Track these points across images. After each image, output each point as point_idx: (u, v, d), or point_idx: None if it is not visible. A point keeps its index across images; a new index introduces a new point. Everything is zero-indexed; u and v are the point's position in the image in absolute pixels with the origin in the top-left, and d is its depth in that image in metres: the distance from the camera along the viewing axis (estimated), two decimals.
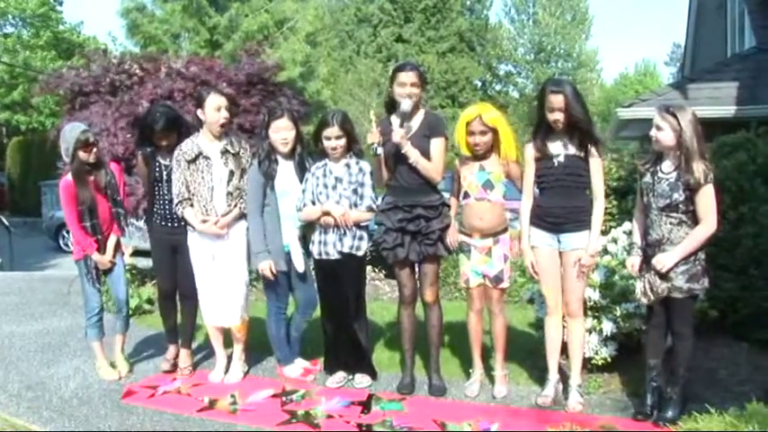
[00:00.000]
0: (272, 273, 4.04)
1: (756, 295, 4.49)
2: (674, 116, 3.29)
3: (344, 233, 3.90)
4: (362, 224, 3.95)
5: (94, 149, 4.12)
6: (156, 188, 4.27)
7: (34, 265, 10.88)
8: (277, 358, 4.39)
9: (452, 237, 3.87)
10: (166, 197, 4.22)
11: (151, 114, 4.27)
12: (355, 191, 3.94)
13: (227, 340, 4.36)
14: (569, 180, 3.57)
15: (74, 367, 4.56)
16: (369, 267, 6.22)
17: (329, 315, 4.13)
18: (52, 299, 6.98)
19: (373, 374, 4.19)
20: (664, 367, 3.51)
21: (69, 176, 4.11)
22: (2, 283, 8.01)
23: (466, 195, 3.84)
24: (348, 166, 3.97)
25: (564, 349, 3.82)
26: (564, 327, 3.77)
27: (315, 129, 4.08)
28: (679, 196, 3.29)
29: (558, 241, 3.64)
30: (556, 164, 3.58)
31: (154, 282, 5.64)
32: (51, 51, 21.40)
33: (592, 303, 4.00)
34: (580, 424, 3.43)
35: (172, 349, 4.50)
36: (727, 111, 8.54)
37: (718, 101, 8.72)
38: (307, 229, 4.13)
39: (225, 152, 4.11)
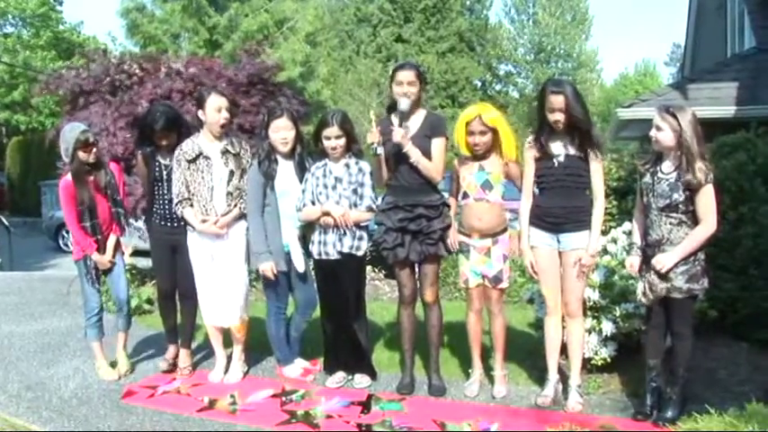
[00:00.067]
0: (273, 273, 4.04)
1: (756, 295, 4.49)
2: (674, 116, 3.29)
3: (344, 233, 3.90)
4: (362, 224, 3.95)
5: (94, 149, 4.12)
6: (156, 188, 4.26)
7: (34, 265, 10.89)
8: (277, 358, 4.39)
9: (453, 237, 3.87)
10: (166, 197, 4.22)
11: (151, 114, 4.27)
12: (355, 191, 3.94)
13: (227, 340, 4.36)
14: (569, 180, 3.57)
15: (73, 367, 4.56)
16: (369, 267, 6.22)
17: (329, 315, 4.13)
18: (52, 299, 6.98)
19: (373, 375, 4.19)
20: (663, 367, 3.51)
21: (69, 176, 4.11)
22: (1, 283, 8.01)
23: (465, 195, 3.84)
24: (348, 166, 3.97)
25: (563, 349, 3.82)
26: (563, 327, 3.77)
27: (315, 128, 4.09)
28: (679, 196, 3.29)
29: (558, 241, 3.64)
30: (556, 164, 3.58)
31: (154, 282, 5.64)
32: (51, 51, 21.39)
33: (591, 303, 4.00)
34: (580, 424, 3.43)
35: (171, 349, 4.50)
36: (727, 111, 8.54)
37: (718, 101, 8.72)
38: (306, 229, 4.13)
39: (225, 152, 4.11)
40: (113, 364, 4.42)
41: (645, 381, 3.57)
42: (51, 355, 4.87)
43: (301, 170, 4.11)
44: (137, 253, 6.61)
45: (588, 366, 4.02)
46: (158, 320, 4.67)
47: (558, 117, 3.50)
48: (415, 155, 3.73)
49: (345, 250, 3.91)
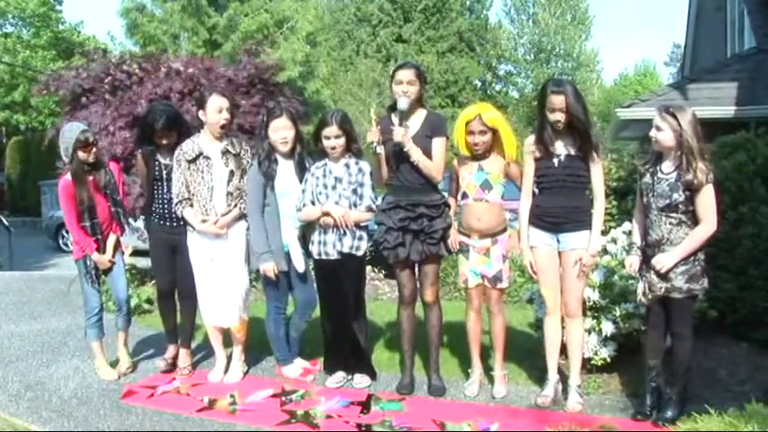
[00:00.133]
0: (274, 273, 4.04)
1: (755, 295, 4.49)
2: (674, 116, 3.29)
3: (344, 233, 3.90)
4: (362, 224, 3.95)
5: (94, 149, 4.12)
6: (156, 187, 4.26)
7: (34, 264, 10.89)
8: (276, 358, 4.39)
9: (453, 237, 3.87)
10: (165, 196, 4.22)
11: (152, 113, 4.27)
12: (355, 191, 3.93)
13: (227, 340, 4.36)
14: (569, 180, 3.57)
15: (73, 367, 4.56)
16: (369, 267, 6.22)
17: (329, 315, 4.13)
18: (51, 298, 6.99)
19: (373, 375, 4.19)
20: (663, 368, 3.51)
21: (68, 176, 4.10)
22: (1, 283, 8.01)
23: (464, 196, 3.84)
24: (348, 166, 3.97)
25: (563, 349, 3.82)
26: (563, 327, 3.77)
27: (314, 128, 4.09)
28: (679, 196, 3.29)
29: (558, 241, 3.64)
30: (556, 164, 3.58)
31: (153, 282, 5.64)
32: (51, 51, 21.38)
33: (591, 303, 4.00)
34: (579, 424, 3.43)
35: (171, 349, 4.50)
36: (727, 111, 8.54)
37: (718, 101, 8.71)
38: (306, 229, 4.13)
39: (225, 152, 4.11)
40: (113, 364, 4.42)
41: (644, 381, 3.57)
42: (51, 355, 4.87)
43: (301, 170, 4.10)
44: (136, 253, 6.61)
45: (588, 366, 4.02)
46: (158, 320, 4.67)
47: (558, 117, 3.50)
48: (415, 154, 3.73)
49: (345, 250, 3.91)
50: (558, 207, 3.59)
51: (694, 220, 3.31)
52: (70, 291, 6.77)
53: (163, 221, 4.27)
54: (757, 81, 8.89)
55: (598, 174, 3.60)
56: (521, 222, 3.76)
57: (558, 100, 3.47)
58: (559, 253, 3.65)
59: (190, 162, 4.05)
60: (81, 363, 4.62)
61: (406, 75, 3.79)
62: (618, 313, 3.99)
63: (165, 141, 4.21)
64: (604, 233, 4.27)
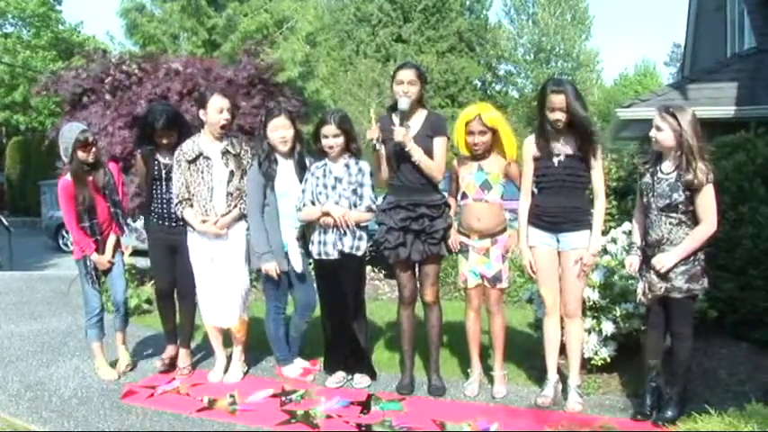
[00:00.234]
0: (276, 273, 4.05)
1: (755, 295, 4.49)
2: (674, 116, 3.29)
3: (344, 233, 3.90)
4: (362, 224, 3.95)
5: (93, 149, 4.12)
6: (154, 187, 4.26)
7: (34, 264, 10.89)
8: (276, 358, 4.39)
9: (454, 237, 3.87)
10: (164, 196, 4.22)
11: (152, 112, 4.27)
12: (355, 191, 3.94)
13: (227, 340, 4.35)
14: (569, 180, 3.57)
15: (73, 367, 4.56)
16: (369, 267, 6.22)
17: (329, 315, 4.13)
18: (51, 298, 6.99)
19: (372, 375, 4.19)
20: (663, 368, 3.51)
21: (68, 176, 4.10)
22: (1, 283, 8.01)
23: (464, 196, 3.84)
24: (348, 166, 3.97)
25: (563, 349, 3.82)
26: (562, 327, 3.77)
27: (314, 127, 4.10)
28: (679, 196, 3.30)
29: (558, 241, 3.64)
30: (556, 163, 3.58)
31: (153, 282, 5.64)
32: (51, 52, 21.38)
33: (591, 303, 4.00)
34: (579, 424, 3.43)
35: (169, 349, 4.50)
36: (727, 111, 8.54)
37: (718, 101, 8.72)
38: (306, 229, 4.13)
39: (225, 153, 4.11)
40: (113, 364, 4.42)
41: (644, 381, 3.57)
42: (51, 355, 4.87)
43: (301, 169, 4.11)
44: (136, 253, 6.62)
45: (588, 366, 4.02)
46: (158, 320, 4.67)
47: (558, 116, 3.50)
48: (417, 154, 3.74)
49: (345, 250, 3.91)
50: (558, 207, 3.59)
51: (694, 220, 3.31)
52: (70, 291, 6.77)
53: (162, 221, 4.26)
54: (757, 81, 8.90)
55: (598, 173, 3.60)
56: (520, 222, 3.77)
57: (557, 99, 3.47)
58: (559, 253, 3.65)
59: (190, 162, 4.05)
60: (81, 363, 4.62)
61: (407, 75, 3.79)
62: (618, 313, 3.99)
63: (165, 141, 4.20)
64: (604, 233, 4.27)
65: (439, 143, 3.83)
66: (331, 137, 3.90)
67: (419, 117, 3.87)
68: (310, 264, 4.21)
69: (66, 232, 11.53)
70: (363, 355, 4.18)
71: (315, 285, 4.20)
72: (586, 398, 3.77)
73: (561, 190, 3.59)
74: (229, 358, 4.35)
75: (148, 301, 6.15)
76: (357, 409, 3.74)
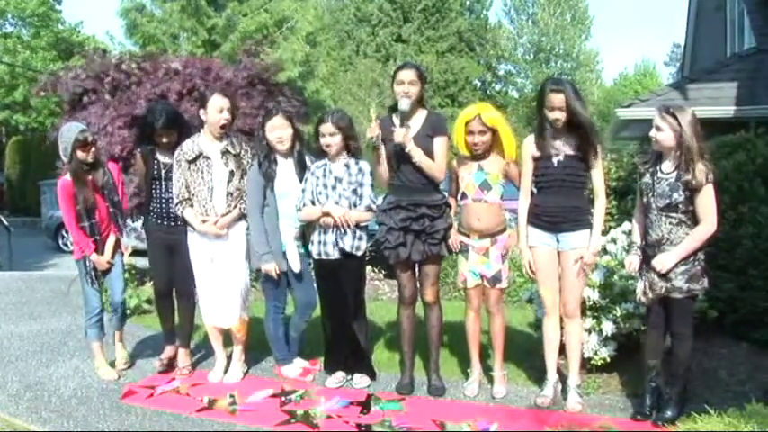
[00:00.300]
0: (276, 273, 4.05)
1: (755, 295, 4.49)
2: (674, 117, 3.29)
3: (344, 233, 3.90)
4: (362, 224, 3.95)
5: (93, 149, 4.12)
6: (154, 186, 4.25)
7: (33, 264, 10.88)
8: (275, 358, 4.39)
9: (454, 237, 3.87)
10: (164, 196, 4.22)
11: (152, 112, 4.27)
12: (355, 191, 3.94)
13: (227, 340, 4.35)
14: (568, 180, 3.57)
15: (73, 367, 4.56)
16: (369, 267, 6.22)
17: (329, 315, 4.13)
18: (51, 298, 6.98)
19: (372, 375, 4.18)
20: (663, 367, 3.51)
21: (68, 176, 4.11)
22: (1, 283, 8.00)
23: (463, 196, 3.84)
24: (348, 166, 3.97)
25: (562, 349, 3.82)
26: (562, 327, 3.77)
27: (314, 126, 4.11)
28: (679, 196, 3.29)
29: (557, 241, 3.64)
30: (555, 163, 3.58)
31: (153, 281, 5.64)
32: (51, 52, 21.38)
33: (591, 303, 4.00)
34: (579, 424, 3.43)
35: (168, 350, 4.49)
36: (727, 111, 8.54)
37: (718, 101, 8.72)
38: (306, 229, 4.13)
39: (225, 153, 4.10)
40: (113, 364, 4.42)
41: (644, 381, 3.57)
42: (50, 355, 4.87)
43: (301, 169, 4.11)
44: (136, 253, 6.62)
45: (588, 366, 4.02)
46: (158, 320, 4.66)
47: (557, 115, 3.50)
48: (417, 155, 3.73)
49: (346, 250, 3.91)
50: (557, 207, 3.59)
51: (694, 220, 3.31)
52: (70, 291, 6.76)
53: (160, 221, 4.26)
54: (757, 81, 8.90)
55: (598, 173, 3.60)
56: (519, 222, 3.76)
57: (557, 98, 3.47)
58: (558, 253, 3.65)
59: (190, 162, 4.05)
60: (81, 363, 4.62)
61: (408, 75, 3.79)
62: (618, 313, 3.98)
63: (165, 140, 4.20)
64: (604, 233, 4.27)
65: (439, 143, 3.83)
66: (328, 135, 3.91)
67: (419, 117, 3.87)
68: (310, 264, 4.20)
69: (66, 232, 11.52)
70: (363, 355, 4.18)
71: (315, 285, 4.19)
72: (586, 398, 3.77)
73: (561, 190, 3.58)
74: (229, 358, 4.35)
75: (148, 301, 6.14)
76: (357, 409, 3.74)
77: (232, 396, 3.95)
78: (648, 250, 3.44)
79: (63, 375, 4.39)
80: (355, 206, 3.93)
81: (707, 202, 3.26)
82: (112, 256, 4.29)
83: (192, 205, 4.08)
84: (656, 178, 3.40)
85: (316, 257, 4.02)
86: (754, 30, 9.94)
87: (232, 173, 4.10)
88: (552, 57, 35.00)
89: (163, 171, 4.22)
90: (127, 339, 4.72)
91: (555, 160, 3.58)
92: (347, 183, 3.94)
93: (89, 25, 35.83)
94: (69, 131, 4.09)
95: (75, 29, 23.59)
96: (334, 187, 3.93)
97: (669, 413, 3.39)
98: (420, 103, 3.88)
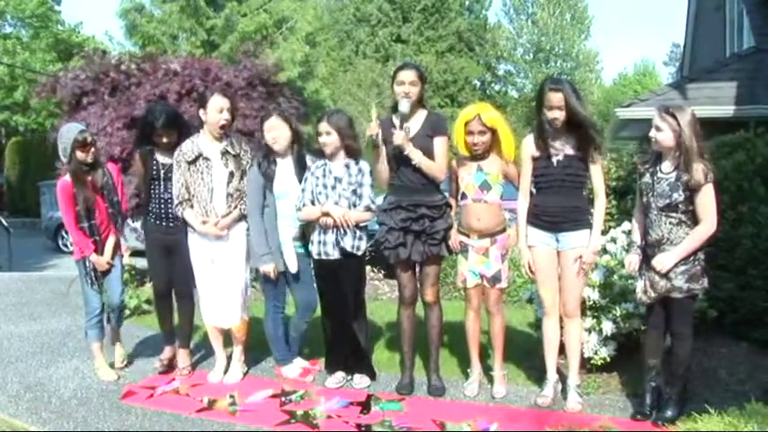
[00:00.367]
0: (275, 274, 4.05)
1: (755, 295, 4.49)
2: (674, 116, 3.29)
3: (344, 233, 3.90)
4: (362, 224, 3.95)
5: (92, 149, 4.12)
6: (153, 187, 4.25)
7: (33, 265, 10.88)
8: (275, 358, 4.39)
9: (455, 238, 3.87)
10: (162, 196, 4.21)
11: (151, 112, 4.27)
12: (354, 191, 3.94)
13: (227, 340, 4.35)
14: (568, 180, 3.57)
15: (72, 368, 4.56)
16: (369, 267, 6.21)
17: (329, 315, 4.13)
18: (51, 299, 6.98)
19: (372, 375, 4.18)
20: (663, 367, 3.51)
21: (67, 177, 4.10)
22: (1, 284, 8.00)
23: (463, 196, 3.84)
24: (347, 166, 3.97)
25: (562, 349, 3.82)
26: (562, 327, 3.77)
27: (315, 126, 4.12)
28: (679, 196, 3.29)
29: (557, 241, 3.64)
30: (555, 163, 3.58)
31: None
32: (51, 53, 21.37)
33: (591, 303, 4.00)
34: (579, 424, 3.43)
35: (167, 350, 4.48)
36: (726, 111, 8.55)
37: (717, 101, 8.73)
38: (306, 229, 4.13)
39: (225, 153, 4.10)
40: (113, 365, 4.42)
41: (644, 381, 3.57)
42: (50, 356, 4.86)
43: (301, 168, 4.11)
44: (136, 253, 6.61)
45: (588, 366, 4.02)
46: (157, 321, 4.66)
47: (556, 114, 3.50)
48: (416, 157, 3.73)
49: (346, 250, 3.91)
50: (557, 207, 3.59)
51: (694, 220, 3.31)
52: (69, 291, 6.76)
53: (159, 221, 4.26)
54: (756, 81, 8.90)
55: (598, 173, 3.60)
56: (519, 222, 3.76)
57: (556, 97, 3.47)
58: (558, 253, 3.65)
59: (189, 163, 4.05)
60: (80, 363, 4.62)
61: (408, 75, 3.79)
62: (618, 313, 3.98)
63: (165, 140, 4.19)
64: (604, 233, 4.27)
65: (439, 143, 3.83)
66: (324, 134, 3.93)
67: (419, 117, 3.87)
68: (310, 264, 4.20)
69: (66, 233, 11.50)
70: (363, 355, 4.18)
71: (315, 285, 4.19)
72: (586, 398, 3.77)
73: (560, 190, 3.58)
74: (229, 359, 4.35)
75: (148, 302, 6.13)
76: (357, 410, 3.74)
77: (232, 396, 3.95)
78: (648, 250, 3.44)
79: (63, 376, 4.39)
80: (355, 206, 3.92)
81: (707, 202, 3.26)
82: (112, 257, 4.28)
83: (192, 206, 4.08)
84: (655, 178, 3.40)
85: (316, 257, 4.02)
86: (753, 29, 9.95)
87: (232, 174, 4.10)
88: (552, 57, 34.99)
89: (162, 171, 4.21)
90: (126, 340, 4.71)
91: (554, 160, 3.58)
92: (347, 183, 3.94)
93: (88, 26, 36.00)
94: (69, 132, 4.09)
95: (75, 29, 23.58)
96: (333, 187, 3.93)
97: (669, 413, 3.39)
98: (420, 103, 3.88)
